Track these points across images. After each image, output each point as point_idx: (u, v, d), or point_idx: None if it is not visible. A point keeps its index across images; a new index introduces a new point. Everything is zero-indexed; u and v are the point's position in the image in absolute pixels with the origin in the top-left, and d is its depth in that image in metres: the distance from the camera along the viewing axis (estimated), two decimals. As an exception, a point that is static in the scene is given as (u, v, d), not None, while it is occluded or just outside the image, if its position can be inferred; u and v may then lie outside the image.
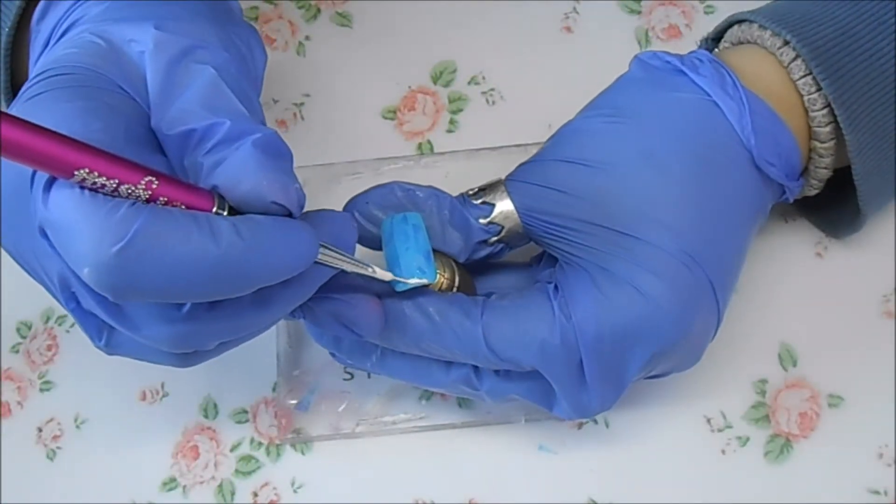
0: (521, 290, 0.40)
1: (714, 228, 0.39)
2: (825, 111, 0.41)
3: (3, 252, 0.50)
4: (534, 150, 0.43)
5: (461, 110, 0.51)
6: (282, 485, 0.46)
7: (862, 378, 0.45)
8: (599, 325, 0.38)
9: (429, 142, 0.51)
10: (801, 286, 0.47)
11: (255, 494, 0.46)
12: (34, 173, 0.31)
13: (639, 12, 0.52)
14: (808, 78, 0.40)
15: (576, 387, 0.39)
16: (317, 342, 0.42)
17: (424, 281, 0.38)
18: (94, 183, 0.30)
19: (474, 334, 0.39)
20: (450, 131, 0.51)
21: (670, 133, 0.40)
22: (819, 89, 0.40)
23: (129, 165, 0.31)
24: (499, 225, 0.41)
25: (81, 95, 0.33)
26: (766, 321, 0.47)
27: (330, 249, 0.35)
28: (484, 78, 0.52)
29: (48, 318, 0.49)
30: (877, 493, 0.44)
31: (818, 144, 0.42)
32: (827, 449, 0.45)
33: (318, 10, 0.53)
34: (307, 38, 0.53)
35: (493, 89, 0.51)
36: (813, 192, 0.44)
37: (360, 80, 0.52)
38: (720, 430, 0.45)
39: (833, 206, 0.45)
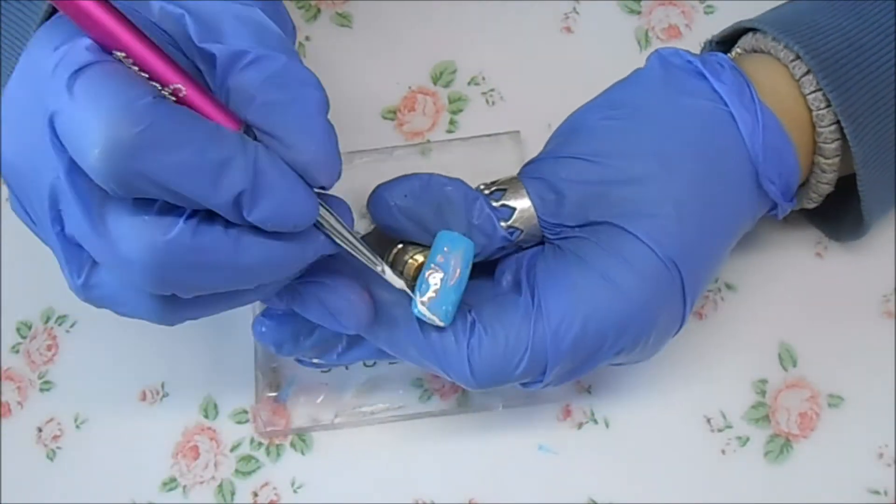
0: (500, 305, 0.39)
1: (704, 237, 0.39)
2: (833, 128, 0.41)
3: (3, 252, 0.51)
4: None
5: (461, 110, 0.51)
6: (282, 485, 0.46)
7: (862, 378, 0.45)
8: (572, 328, 0.38)
9: (429, 142, 0.51)
10: (801, 286, 0.47)
11: (255, 494, 0.46)
12: (59, 61, 0.31)
13: (639, 12, 0.52)
14: (819, 94, 0.40)
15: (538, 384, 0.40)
16: (275, 351, 0.41)
17: (437, 322, 0.38)
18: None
19: (460, 362, 0.38)
20: (450, 131, 0.51)
21: (684, 138, 0.40)
22: (828, 105, 0.40)
23: (167, 65, 0.32)
24: (518, 229, 0.41)
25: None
26: (766, 321, 0.47)
27: (337, 222, 0.35)
28: (484, 78, 0.52)
29: (48, 318, 0.49)
30: (877, 493, 0.44)
31: (822, 160, 0.41)
32: (827, 449, 0.45)
33: (318, 10, 0.53)
34: (307, 38, 0.53)
35: (493, 89, 0.51)
36: (812, 206, 0.44)
37: (360, 81, 0.52)
38: (720, 430, 0.45)
39: (835, 212, 0.45)
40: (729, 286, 0.47)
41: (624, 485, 0.45)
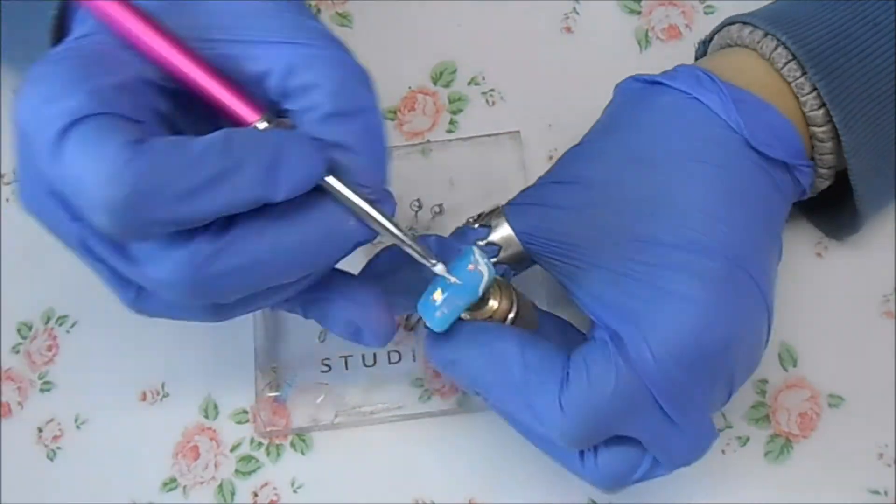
0: (588, 345, 0.38)
1: (728, 215, 0.38)
2: (814, 94, 0.40)
3: (3, 252, 0.51)
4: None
5: (461, 111, 0.51)
6: (282, 485, 0.46)
7: (862, 378, 0.45)
8: (654, 351, 0.36)
9: (429, 142, 0.51)
10: (801, 286, 0.47)
11: (255, 494, 0.46)
12: (47, 120, 0.31)
13: (639, 12, 0.52)
14: (803, 79, 0.40)
15: (668, 431, 0.38)
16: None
17: (428, 323, 0.37)
18: None
19: (550, 402, 0.37)
20: (450, 131, 0.51)
21: (657, 134, 0.40)
22: (813, 90, 0.40)
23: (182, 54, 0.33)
24: (497, 245, 0.41)
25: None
26: (766, 321, 0.47)
27: (375, 209, 0.34)
28: (484, 78, 0.52)
29: (48, 319, 0.50)
30: (877, 493, 0.44)
31: (816, 129, 0.41)
32: (827, 449, 0.45)
33: (318, 11, 0.53)
34: (307, 38, 0.53)
35: (493, 89, 0.51)
36: (825, 184, 0.43)
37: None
38: (720, 430, 0.45)
39: (832, 207, 0.45)
40: (729, 286, 0.47)
41: (624, 485, 0.45)
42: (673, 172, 0.39)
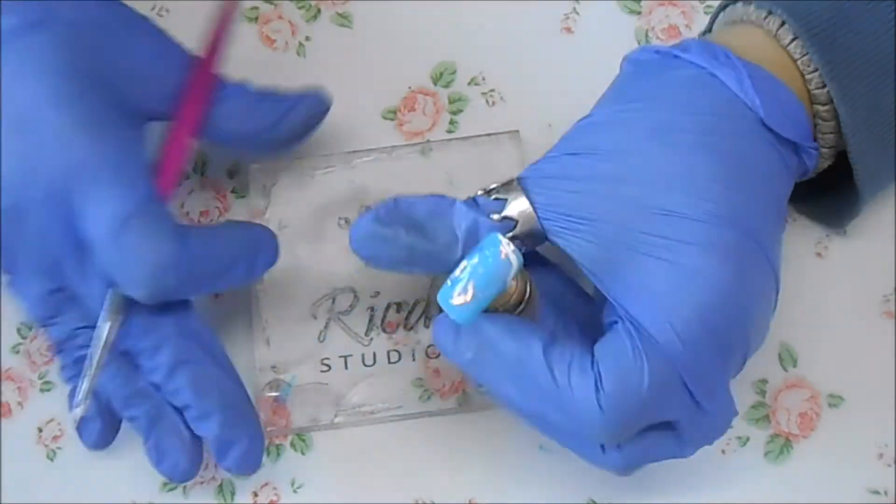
0: (607, 336, 0.38)
1: (740, 189, 0.38)
2: (818, 72, 0.40)
3: (3, 251, 0.51)
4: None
5: (461, 111, 0.51)
6: (282, 485, 0.46)
7: (862, 378, 0.45)
8: (678, 331, 0.36)
9: (429, 142, 0.51)
10: (801, 286, 0.47)
11: (255, 494, 0.46)
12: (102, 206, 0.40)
13: (639, 12, 0.52)
14: (807, 57, 0.40)
15: (695, 414, 0.38)
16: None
17: (451, 315, 0.36)
18: None
19: (592, 415, 0.36)
20: (450, 131, 0.51)
21: (675, 107, 0.39)
22: (817, 69, 0.40)
23: None
24: (513, 220, 0.39)
25: None
26: (766, 321, 0.47)
27: None
28: (484, 78, 0.52)
29: (48, 319, 0.49)
30: (877, 493, 0.44)
31: (819, 108, 0.41)
32: (827, 449, 0.45)
33: (318, 11, 0.53)
34: (307, 38, 0.53)
35: (493, 90, 0.51)
36: (826, 164, 0.43)
37: (360, 81, 0.52)
38: (720, 430, 0.45)
39: (832, 196, 0.45)
40: (729, 286, 0.47)
41: (624, 485, 0.44)
42: (690, 146, 0.38)
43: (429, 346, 0.47)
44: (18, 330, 0.49)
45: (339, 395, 0.46)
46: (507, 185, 0.40)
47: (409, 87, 0.52)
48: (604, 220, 0.38)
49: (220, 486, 0.46)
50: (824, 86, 0.41)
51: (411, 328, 0.47)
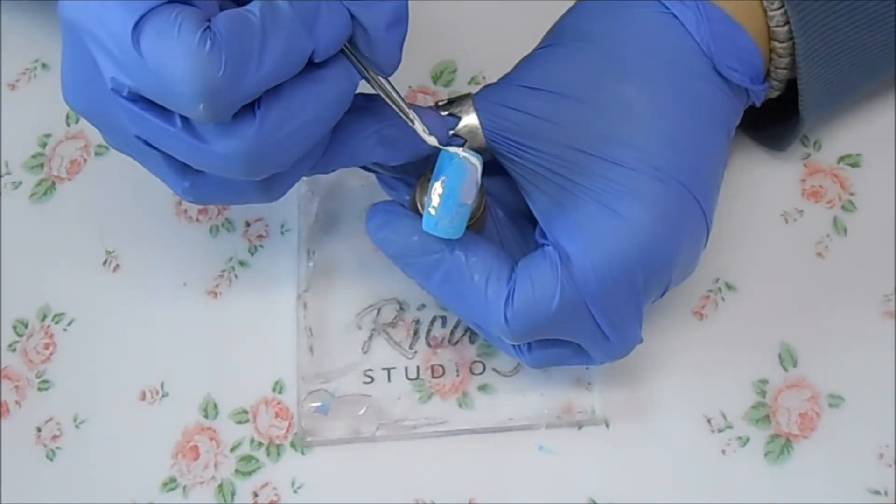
0: (532, 255, 0.40)
1: (685, 140, 0.40)
2: (782, 11, 0.41)
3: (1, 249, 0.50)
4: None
5: (461, 110, 0.51)
6: (282, 485, 0.46)
7: (862, 378, 0.45)
8: (597, 271, 0.38)
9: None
10: (801, 286, 0.47)
11: (255, 495, 0.46)
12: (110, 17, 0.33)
13: (639, 12, 0.52)
14: None
15: (598, 339, 0.40)
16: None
17: (442, 235, 0.38)
18: None
19: (496, 312, 0.39)
20: (450, 131, 0.51)
21: (632, 50, 0.40)
22: None
23: None
24: (462, 138, 0.41)
25: None
26: (766, 321, 0.47)
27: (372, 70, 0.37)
28: (484, 78, 0.52)
29: (45, 316, 0.49)
30: (877, 493, 0.44)
31: (777, 45, 0.42)
32: (827, 449, 0.45)
33: (318, 10, 0.53)
34: (307, 37, 0.53)
35: (493, 89, 0.51)
36: (775, 94, 0.45)
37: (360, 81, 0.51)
38: (720, 431, 0.45)
39: (776, 121, 0.47)
40: (729, 286, 0.47)
41: (624, 485, 0.45)
42: (641, 93, 0.40)
43: (473, 362, 0.47)
44: (14, 328, 0.49)
45: (382, 408, 0.46)
46: (461, 100, 0.42)
47: (410, 86, 0.52)
48: (550, 154, 0.40)
49: (220, 486, 0.46)
50: (785, 24, 0.41)
51: (456, 342, 0.47)
